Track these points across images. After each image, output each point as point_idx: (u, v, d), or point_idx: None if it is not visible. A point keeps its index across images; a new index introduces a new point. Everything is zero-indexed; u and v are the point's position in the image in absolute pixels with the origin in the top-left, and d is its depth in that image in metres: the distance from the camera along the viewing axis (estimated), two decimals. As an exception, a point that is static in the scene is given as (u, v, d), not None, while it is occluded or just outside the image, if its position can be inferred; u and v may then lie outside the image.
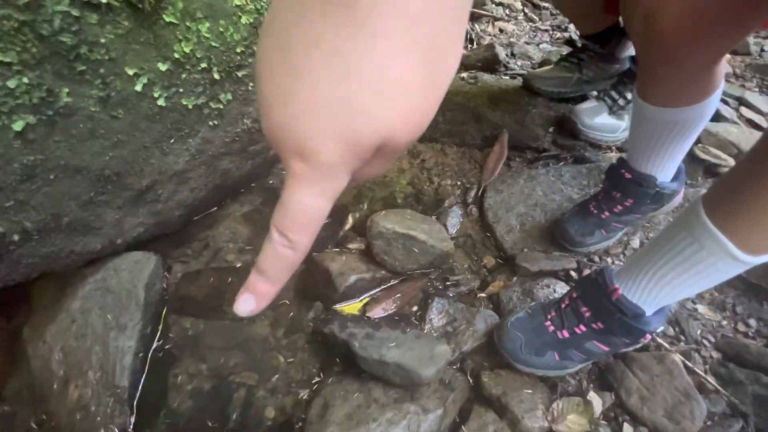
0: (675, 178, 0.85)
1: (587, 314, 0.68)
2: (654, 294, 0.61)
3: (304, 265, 0.90)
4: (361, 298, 0.86)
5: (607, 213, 0.88)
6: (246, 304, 0.24)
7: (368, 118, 0.18)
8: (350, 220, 1.00)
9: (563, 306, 0.71)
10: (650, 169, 0.81)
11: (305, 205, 0.20)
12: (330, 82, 0.18)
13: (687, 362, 0.76)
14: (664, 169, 0.81)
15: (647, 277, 0.61)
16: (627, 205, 0.86)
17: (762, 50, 1.72)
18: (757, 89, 1.51)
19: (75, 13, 0.55)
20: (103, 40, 0.59)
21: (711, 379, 0.75)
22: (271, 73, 0.19)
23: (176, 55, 0.68)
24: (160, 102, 0.69)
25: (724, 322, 0.85)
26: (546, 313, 0.73)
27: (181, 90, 0.71)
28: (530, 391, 0.71)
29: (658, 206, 0.89)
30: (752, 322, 0.85)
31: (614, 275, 0.66)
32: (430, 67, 0.18)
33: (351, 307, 0.85)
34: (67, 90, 0.58)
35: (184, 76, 0.71)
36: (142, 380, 0.72)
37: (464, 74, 1.38)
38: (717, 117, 1.26)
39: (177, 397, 0.72)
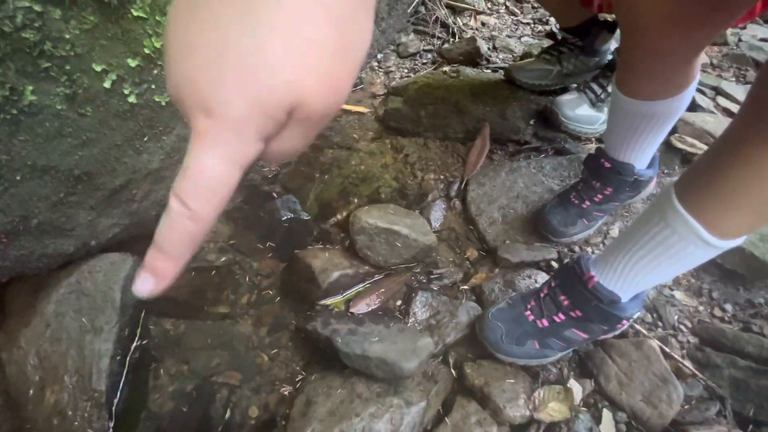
0: (650, 165, 0.86)
1: (565, 303, 0.68)
2: (629, 280, 0.62)
3: (286, 262, 0.90)
4: (344, 294, 0.86)
5: (587, 202, 0.89)
6: (144, 284, 0.21)
7: (279, 73, 0.18)
8: (334, 217, 0.99)
9: (542, 295, 0.72)
10: (628, 157, 0.82)
11: (209, 169, 0.19)
12: (240, 35, 0.17)
13: (664, 347, 0.77)
14: (641, 157, 0.83)
15: (622, 264, 0.62)
16: (607, 194, 0.87)
17: (739, 40, 1.75)
18: (733, 79, 1.54)
19: (37, 8, 0.54)
20: (68, 36, 0.57)
21: (688, 363, 0.77)
22: (179, 25, 0.19)
23: (146, 51, 0.66)
24: (131, 99, 0.67)
25: (701, 308, 0.87)
26: (525, 302, 0.73)
27: (153, 86, 0.70)
28: (512, 380, 0.72)
29: (636, 193, 0.90)
30: (728, 307, 0.87)
31: (590, 263, 0.67)
32: (342, 36, 0.18)
33: (334, 303, 0.84)
34: (31, 88, 0.56)
35: (155, 72, 0.69)
36: (121, 383, 0.71)
37: (446, 68, 1.38)
38: (693, 106, 1.28)
39: (158, 399, 0.71)
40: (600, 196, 0.88)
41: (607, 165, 0.84)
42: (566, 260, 0.90)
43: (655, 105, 0.71)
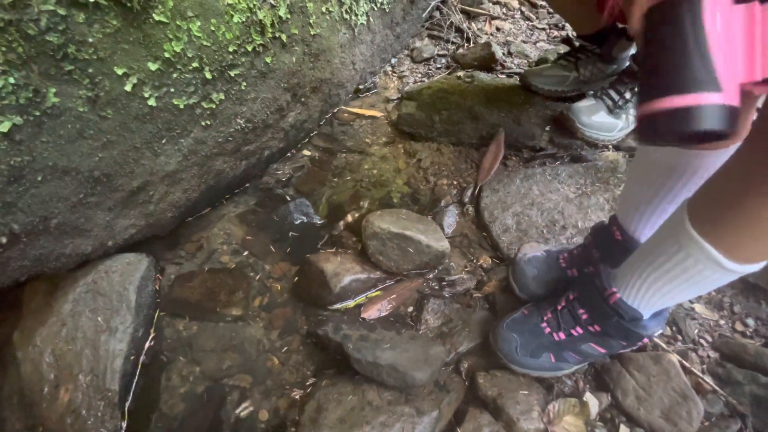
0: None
1: (584, 316, 0.67)
2: (647, 298, 0.60)
3: (298, 266, 0.90)
4: (355, 299, 0.85)
5: (575, 271, 0.78)
6: None
7: None
8: (347, 221, 0.99)
9: (559, 308, 0.71)
10: (640, 231, 0.71)
11: None
12: None
13: (684, 362, 0.75)
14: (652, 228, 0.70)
15: (639, 282, 0.59)
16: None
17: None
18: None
19: (62, 12, 0.55)
20: (91, 40, 0.58)
21: (708, 379, 0.75)
22: None
23: (167, 55, 0.67)
24: (151, 102, 0.68)
25: (722, 322, 0.84)
26: (542, 314, 0.72)
27: (172, 90, 0.70)
28: (526, 392, 0.71)
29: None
30: (750, 321, 0.84)
31: (611, 278, 0.65)
32: None
33: (346, 308, 0.84)
34: (54, 90, 0.57)
35: (175, 75, 0.70)
36: (134, 383, 0.71)
37: (460, 73, 1.37)
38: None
39: (169, 400, 0.72)
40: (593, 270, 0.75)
41: (618, 237, 0.72)
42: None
43: (699, 156, 0.60)
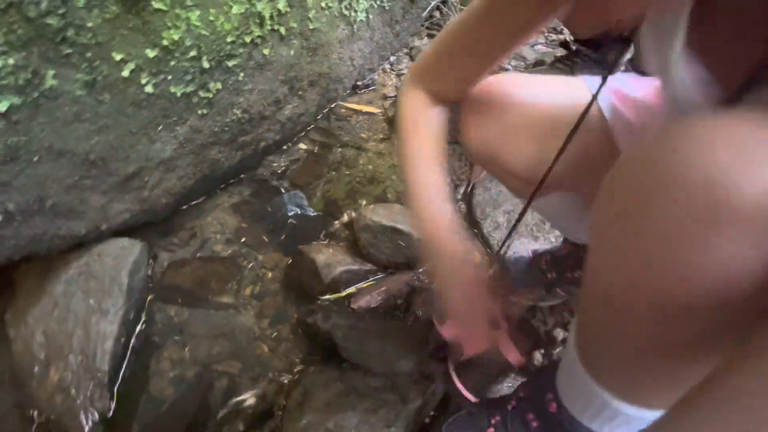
0: None
1: (534, 424, 0.53)
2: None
3: (290, 256, 0.91)
4: (346, 289, 0.86)
5: (555, 275, 0.78)
6: None
7: None
8: (343, 217, 1.00)
9: (510, 408, 0.57)
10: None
11: None
12: None
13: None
14: None
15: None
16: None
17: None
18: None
19: (62, -5, 0.56)
20: (90, 24, 0.59)
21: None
22: None
23: (165, 42, 0.68)
24: (148, 89, 0.69)
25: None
26: (489, 416, 0.58)
27: (169, 77, 0.72)
28: (510, 384, 0.72)
29: None
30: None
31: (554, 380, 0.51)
32: None
33: (336, 299, 0.85)
34: (53, 72, 0.58)
35: (172, 63, 0.71)
36: (124, 366, 0.72)
37: (458, 73, 1.39)
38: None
39: (159, 383, 0.73)
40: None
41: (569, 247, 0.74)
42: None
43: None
